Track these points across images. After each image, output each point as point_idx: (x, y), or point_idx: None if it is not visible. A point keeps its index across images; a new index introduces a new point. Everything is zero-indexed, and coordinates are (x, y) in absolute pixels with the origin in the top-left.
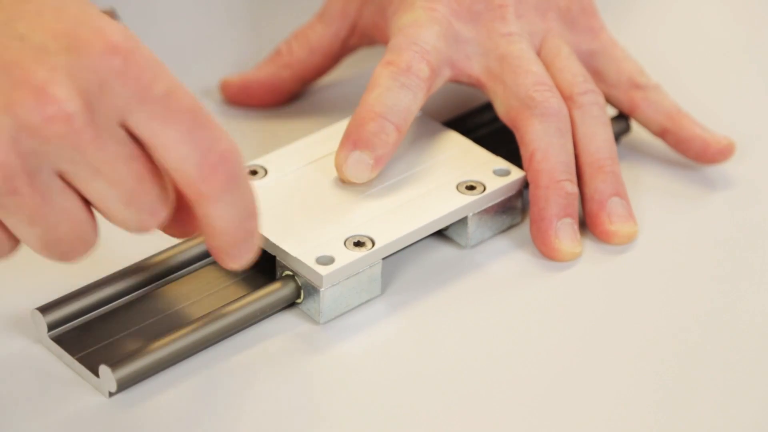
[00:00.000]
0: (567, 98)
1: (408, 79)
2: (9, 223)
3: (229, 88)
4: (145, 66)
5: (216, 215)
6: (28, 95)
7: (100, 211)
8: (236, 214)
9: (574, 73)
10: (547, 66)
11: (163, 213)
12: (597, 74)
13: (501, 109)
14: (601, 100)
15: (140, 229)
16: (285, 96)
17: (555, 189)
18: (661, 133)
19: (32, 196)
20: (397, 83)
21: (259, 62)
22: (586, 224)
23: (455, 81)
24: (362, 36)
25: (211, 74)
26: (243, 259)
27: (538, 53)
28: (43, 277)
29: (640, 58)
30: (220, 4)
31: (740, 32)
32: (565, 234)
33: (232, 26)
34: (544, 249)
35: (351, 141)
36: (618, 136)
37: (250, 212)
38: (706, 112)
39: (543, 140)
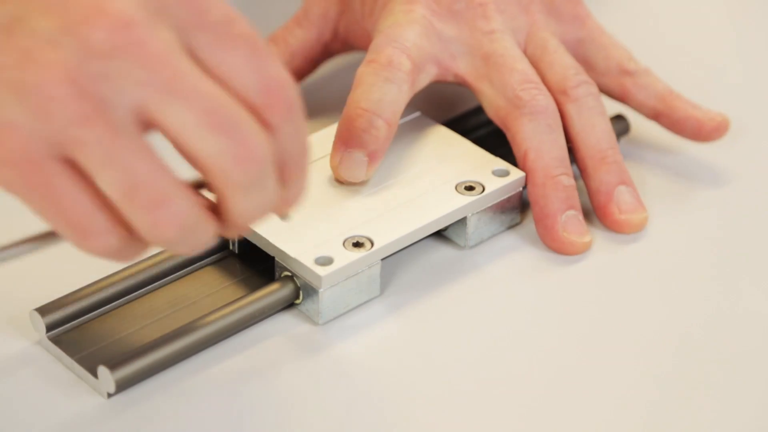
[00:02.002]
0: (561, 93)
1: (390, 72)
2: (85, 164)
3: None
4: None
5: (278, 146)
6: (85, 13)
7: (183, 141)
8: (296, 140)
9: (565, 66)
10: (536, 61)
11: (257, 138)
12: (586, 63)
13: (489, 109)
14: (595, 90)
15: (239, 162)
16: None
17: (552, 184)
18: (655, 116)
19: (106, 127)
20: (380, 78)
21: None
22: (595, 216)
23: (442, 80)
24: (343, 42)
25: None
26: (292, 203)
27: (524, 49)
28: (41, 278)
29: (627, 43)
30: None
31: (729, 17)
32: (572, 226)
33: None
34: (555, 245)
35: (342, 141)
36: (618, 136)
37: (304, 145)
38: (698, 100)
39: (534, 139)
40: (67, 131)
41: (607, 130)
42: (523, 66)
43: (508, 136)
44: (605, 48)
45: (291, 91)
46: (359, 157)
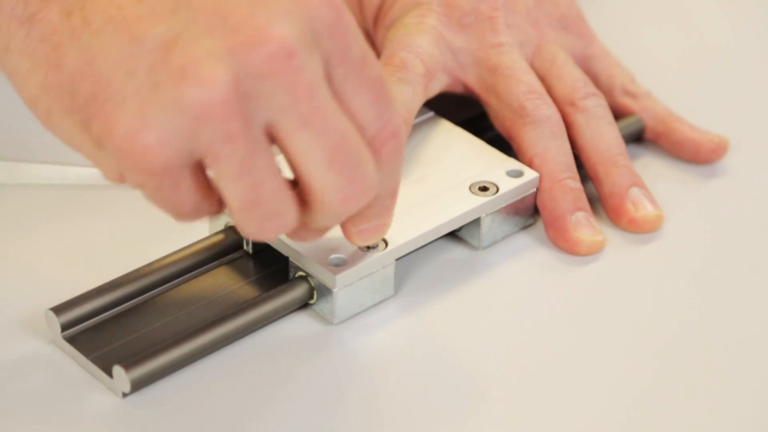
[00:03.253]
0: (569, 104)
1: (404, 74)
2: (215, 175)
3: None
4: (349, 26)
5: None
6: (249, 36)
7: (302, 168)
8: (389, 184)
9: (574, 79)
10: (545, 74)
11: (370, 179)
12: (590, 79)
13: (495, 120)
14: (603, 101)
15: (345, 199)
16: None
17: (559, 187)
18: (655, 138)
19: (245, 145)
20: (394, 79)
21: None
22: (609, 221)
23: (451, 91)
24: None
25: None
26: (371, 237)
27: (532, 62)
28: (56, 278)
29: (626, 59)
30: None
31: (725, 25)
32: (582, 226)
33: None
34: (566, 245)
35: None
36: (633, 137)
37: (395, 189)
38: (702, 108)
39: (538, 145)
40: (211, 147)
41: (616, 137)
42: (529, 78)
43: (514, 145)
44: (609, 68)
45: (400, 137)
46: None
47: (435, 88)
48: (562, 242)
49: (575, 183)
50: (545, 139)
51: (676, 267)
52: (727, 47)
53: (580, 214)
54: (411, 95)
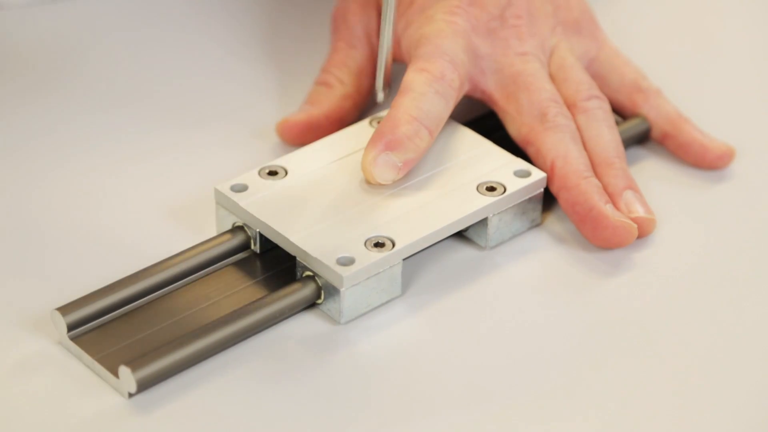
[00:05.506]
0: (571, 106)
1: (441, 86)
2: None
3: (296, 127)
4: None
5: None
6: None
7: None
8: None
9: (578, 82)
10: (552, 77)
11: None
12: (601, 79)
13: (512, 128)
14: (605, 105)
15: None
16: (345, 126)
17: (587, 182)
18: (662, 138)
19: None
20: (431, 89)
21: (308, 100)
22: None
23: (469, 96)
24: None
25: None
26: None
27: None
28: (63, 278)
29: (638, 61)
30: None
31: (735, 30)
32: (618, 213)
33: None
34: (606, 233)
35: (383, 142)
36: (639, 138)
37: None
38: (711, 113)
39: (560, 148)
40: None
41: (614, 140)
42: (551, 87)
43: (531, 151)
44: (620, 67)
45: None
46: (395, 161)
47: (459, 98)
48: (602, 230)
49: (598, 182)
50: (566, 142)
51: (683, 271)
52: (736, 52)
53: (610, 206)
54: (443, 109)
